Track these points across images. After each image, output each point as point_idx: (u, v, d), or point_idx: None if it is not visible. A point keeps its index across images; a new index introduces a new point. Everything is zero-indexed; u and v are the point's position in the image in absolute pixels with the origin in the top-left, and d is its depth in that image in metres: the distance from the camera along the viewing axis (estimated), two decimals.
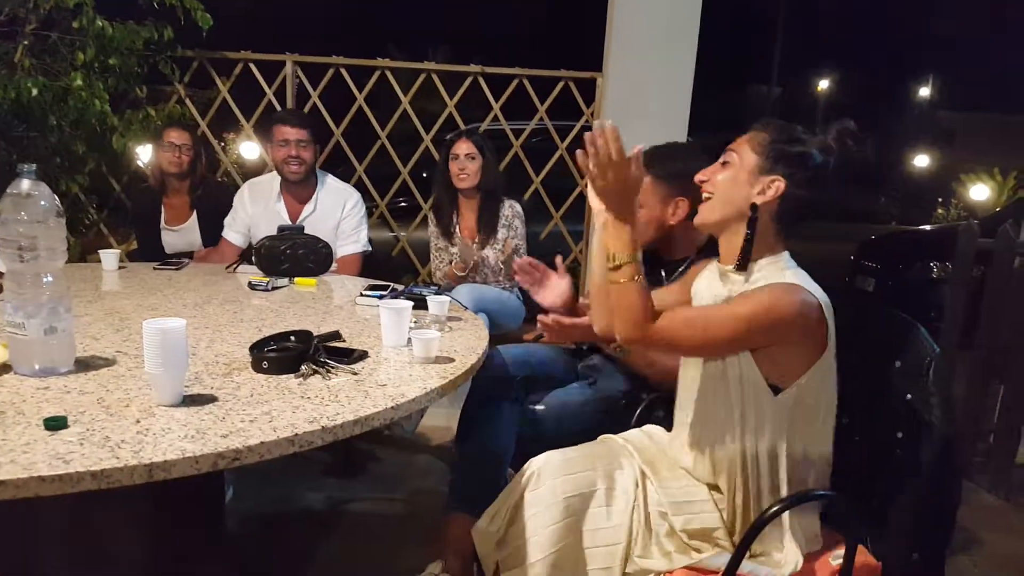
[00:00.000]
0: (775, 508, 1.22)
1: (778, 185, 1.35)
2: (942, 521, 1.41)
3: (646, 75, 3.41)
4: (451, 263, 3.04)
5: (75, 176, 3.32)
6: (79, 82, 3.03)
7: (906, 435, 1.39)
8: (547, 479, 1.42)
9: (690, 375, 1.50)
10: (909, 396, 1.39)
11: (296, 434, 1.11)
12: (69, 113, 3.06)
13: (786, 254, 1.40)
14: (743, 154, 1.39)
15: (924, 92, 21.08)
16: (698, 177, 1.46)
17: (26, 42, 3.12)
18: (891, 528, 1.39)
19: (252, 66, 3.55)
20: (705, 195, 1.44)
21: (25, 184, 1.30)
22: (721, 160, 1.43)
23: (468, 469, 1.97)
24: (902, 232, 7.28)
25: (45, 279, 1.31)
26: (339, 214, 2.90)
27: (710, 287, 1.51)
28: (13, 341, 1.32)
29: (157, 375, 1.19)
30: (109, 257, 2.40)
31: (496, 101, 3.69)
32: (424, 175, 3.85)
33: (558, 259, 2.04)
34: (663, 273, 2.00)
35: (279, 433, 1.11)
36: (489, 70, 3.63)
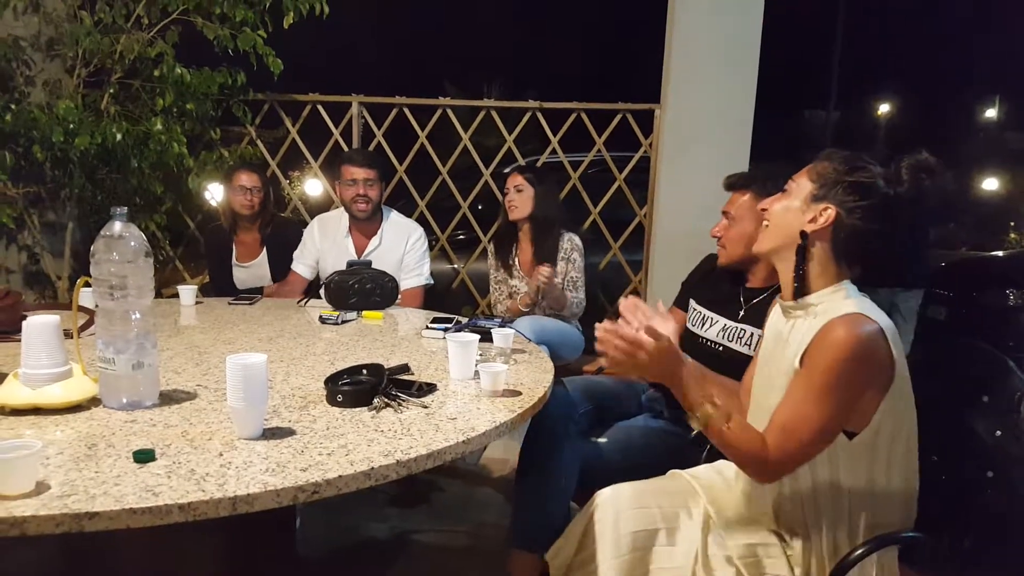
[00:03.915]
0: (859, 552, 1.17)
1: (828, 213, 1.32)
2: None
3: (706, 105, 3.40)
4: (511, 296, 3.06)
5: (153, 215, 3.48)
6: (159, 126, 3.19)
7: (997, 474, 1.33)
8: (614, 513, 1.42)
9: (757, 422, 1.45)
10: (999, 433, 1.34)
11: (372, 468, 1.13)
12: (149, 156, 3.21)
13: (847, 282, 1.36)
14: (800, 182, 1.38)
15: (991, 113, 20.40)
16: (760, 205, 1.46)
17: (112, 90, 3.31)
18: (983, 571, 1.32)
19: (320, 107, 3.68)
20: (764, 223, 1.44)
21: (117, 226, 1.37)
22: (783, 189, 1.43)
23: (531, 504, 1.96)
24: (974, 258, 7.00)
25: (134, 316, 1.37)
26: (403, 248, 2.97)
27: (774, 324, 1.48)
28: (103, 375, 1.38)
29: (239, 409, 1.22)
30: (187, 293, 2.50)
31: (554, 134, 3.72)
32: (480, 207, 3.90)
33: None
34: (741, 300, 1.99)
35: (356, 467, 1.13)
36: (547, 105, 3.68)
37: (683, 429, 1.98)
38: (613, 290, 3.82)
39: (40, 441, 1.06)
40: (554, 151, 3.76)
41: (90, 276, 1.39)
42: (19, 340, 1.39)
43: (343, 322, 2.26)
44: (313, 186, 5.83)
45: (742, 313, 1.99)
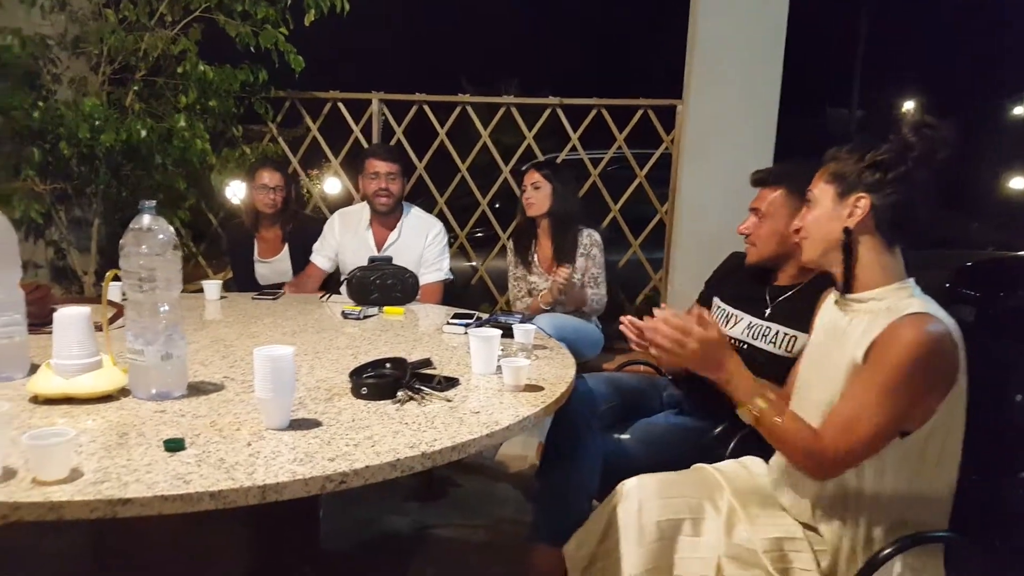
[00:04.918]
0: (887, 551, 1.16)
1: (864, 202, 1.32)
2: None
3: (730, 102, 3.36)
4: (529, 293, 3.06)
5: (176, 211, 3.51)
6: (182, 123, 3.23)
7: None
8: (639, 501, 1.42)
9: (801, 412, 1.41)
10: None
11: (398, 459, 1.14)
12: (172, 152, 3.25)
13: (911, 281, 1.34)
14: (819, 189, 1.40)
15: (1019, 111, 20.10)
16: (792, 227, 1.48)
17: (136, 87, 3.35)
18: (1016, 571, 1.30)
19: (340, 104, 3.70)
20: (802, 240, 1.45)
21: (146, 219, 1.39)
22: (805, 203, 1.44)
23: (553, 499, 1.96)
24: (1002, 258, 6.89)
25: (162, 308, 1.39)
26: (422, 243, 2.98)
27: (828, 317, 1.46)
28: (133, 367, 1.40)
29: (267, 400, 1.24)
30: (211, 288, 2.52)
31: (574, 131, 3.71)
32: (498, 205, 3.90)
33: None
34: (768, 298, 1.97)
35: (382, 458, 1.14)
36: (567, 101, 3.66)
37: (708, 425, 1.99)
38: (633, 288, 3.80)
39: (73, 429, 1.08)
40: (574, 148, 3.75)
41: (117, 270, 1.41)
42: (49, 332, 1.42)
43: (365, 317, 2.28)
44: (333, 183, 5.87)
45: (768, 311, 1.97)
